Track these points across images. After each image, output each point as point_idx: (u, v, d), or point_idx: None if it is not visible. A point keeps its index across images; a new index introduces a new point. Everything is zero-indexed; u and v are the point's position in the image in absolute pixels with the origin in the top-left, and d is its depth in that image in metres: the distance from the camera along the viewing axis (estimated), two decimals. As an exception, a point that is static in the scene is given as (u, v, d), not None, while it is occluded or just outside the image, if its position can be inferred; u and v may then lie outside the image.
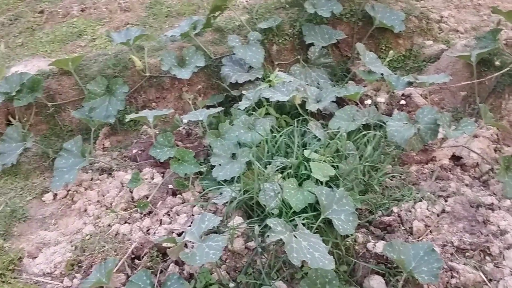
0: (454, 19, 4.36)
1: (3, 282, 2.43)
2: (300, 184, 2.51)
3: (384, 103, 3.31)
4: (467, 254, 2.31)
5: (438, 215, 2.52)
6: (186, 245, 2.38)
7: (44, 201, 3.02)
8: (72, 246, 2.64)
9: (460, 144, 2.91)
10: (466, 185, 2.74)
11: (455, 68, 3.50)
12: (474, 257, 2.29)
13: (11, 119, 3.40)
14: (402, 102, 3.37)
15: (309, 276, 2.02)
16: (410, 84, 3.21)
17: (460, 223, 2.43)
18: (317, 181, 2.52)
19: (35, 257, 2.61)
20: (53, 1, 5.68)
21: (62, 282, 2.47)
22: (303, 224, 2.29)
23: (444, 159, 2.89)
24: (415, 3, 4.45)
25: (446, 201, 2.58)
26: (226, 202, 2.54)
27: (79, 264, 2.55)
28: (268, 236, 2.07)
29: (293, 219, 2.34)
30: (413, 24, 4.00)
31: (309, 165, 2.55)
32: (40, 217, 2.91)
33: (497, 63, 3.19)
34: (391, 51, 3.75)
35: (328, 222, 2.35)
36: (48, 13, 5.46)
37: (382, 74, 3.36)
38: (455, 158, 2.93)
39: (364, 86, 3.60)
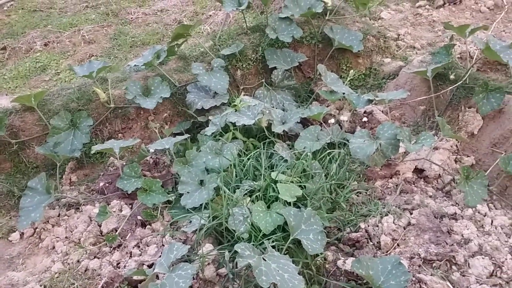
0: (410, 36, 4.51)
1: (-31, 328, 2.36)
2: (268, 207, 2.53)
3: (347, 121, 3.38)
4: (434, 264, 2.35)
5: (404, 228, 2.57)
6: (158, 277, 2.36)
7: (11, 241, 2.95)
8: (41, 285, 2.57)
9: (421, 157, 2.99)
10: (430, 196, 2.81)
11: (413, 83, 3.61)
12: (441, 267, 2.34)
13: (-27, 159, 3.34)
14: (365, 119, 3.45)
15: (280, 297, 2.03)
16: (370, 101, 3.30)
17: (425, 234, 2.49)
18: (286, 202, 2.54)
19: (3, 300, 2.54)
20: (15, 37, 5.65)
21: (31, 324, 2.41)
22: (273, 247, 2.31)
23: (407, 173, 2.96)
24: (373, 22, 4.61)
25: (411, 213, 2.64)
26: (196, 230, 2.54)
27: (48, 304, 2.49)
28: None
29: (263, 242, 2.35)
30: (371, 43, 4.12)
31: (276, 187, 2.58)
32: (7, 257, 2.84)
33: (452, 76, 3.31)
34: (352, 71, 3.86)
35: (298, 243, 2.37)
36: (10, 49, 5.43)
37: (343, 93, 3.45)
38: (418, 171, 3.01)
39: (327, 106, 3.69)
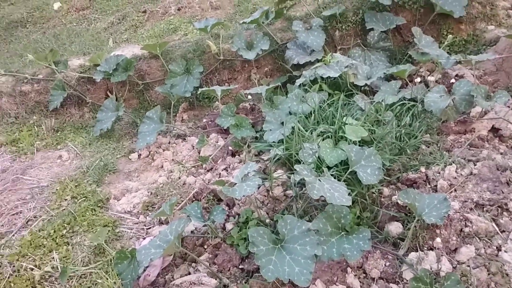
0: (526, 5, 4.36)
1: (93, 214, 3.06)
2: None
3: (433, 81, 3.50)
4: (485, 209, 2.49)
5: (465, 178, 2.70)
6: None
7: (130, 159, 3.65)
8: (148, 192, 3.21)
9: (500, 117, 3.04)
10: (501, 153, 2.88)
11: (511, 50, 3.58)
12: (491, 211, 2.47)
13: (109, 94, 4.11)
14: (453, 81, 3.53)
15: (326, 210, 2.36)
16: (458, 63, 3.38)
17: (484, 183, 2.61)
18: (352, 142, 2.83)
19: (119, 199, 3.22)
20: (154, 2, 6.49)
21: (138, 218, 3.04)
22: (333, 177, 2.63)
23: (482, 131, 3.04)
24: (482, -10, 4.53)
25: (475, 165, 2.75)
26: (270, 158, 2.96)
27: (152, 206, 3.11)
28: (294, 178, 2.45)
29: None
30: (476, 10, 4.10)
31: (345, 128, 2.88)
32: (126, 171, 3.54)
33: (549, 42, 3.25)
34: (450, 35, 3.91)
35: (357, 177, 2.65)
36: (149, 13, 6.26)
37: (437, 55, 3.55)
38: (495, 130, 3.06)
39: (420, 68, 3.82)
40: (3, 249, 2.86)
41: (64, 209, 3.10)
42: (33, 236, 2.90)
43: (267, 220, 2.66)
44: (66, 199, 3.20)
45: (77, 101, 4.14)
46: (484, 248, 2.30)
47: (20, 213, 3.13)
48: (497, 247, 2.31)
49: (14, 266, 2.73)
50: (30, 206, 3.18)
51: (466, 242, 2.35)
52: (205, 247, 2.67)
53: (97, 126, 3.88)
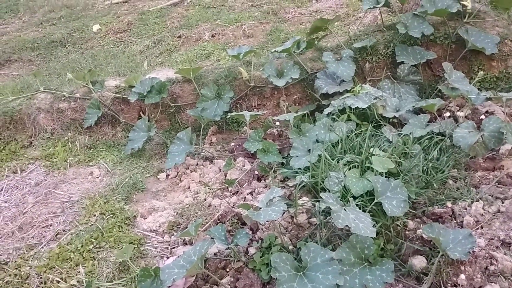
0: None
1: (120, 231, 3.13)
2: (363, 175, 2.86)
3: (462, 117, 3.50)
4: (511, 247, 2.45)
5: (493, 215, 2.68)
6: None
7: (159, 178, 3.74)
8: (174, 212, 3.28)
9: (530, 155, 3.01)
10: (530, 192, 2.84)
11: (545, 88, 3.56)
12: (519, 251, 2.43)
13: (142, 114, 4.24)
14: (483, 117, 3.52)
15: (350, 240, 2.37)
16: (488, 99, 3.38)
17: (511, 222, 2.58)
18: (378, 173, 2.84)
19: (146, 218, 3.28)
20: (189, 28, 6.69)
21: (163, 238, 3.09)
22: (358, 207, 2.64)
23: (511, 168, 3.01)
24: (516, 28, 4.52)
25: (503, 203, 2.73)
26: (295, 184, 2.99)
27: (178, 226, 3.16)
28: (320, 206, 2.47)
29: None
30: (509, 48, 4.10)
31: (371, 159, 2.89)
32: (154, 190, 3.62)
33: None
34: (481, 72, 3.92)
35: (382, 208, 2.66)
36: (184, 38, 6.44)
37: (467, 91, 3.56)
38: (525, 169, 3.03)
39: (450, 102, 3.83)
40: (32, 260, 2.95)
41: (92, 225, 3.19)
42: (61, 249, 2.99)
43: (290, 247, 2.68)
44: (94, 215, 3.28)
45: (111, 120, 4.28)
46: (509, 287, 2.26)
47: (50, 226, 3.23)
48: (523, 288, 2.27)
49: (41, 278, 2.81)
50: (60, 219, 3.28)
51: (491, 280, 2.31)
52: (227, 270, 2.70)
53: (128, 145, 3.99)
